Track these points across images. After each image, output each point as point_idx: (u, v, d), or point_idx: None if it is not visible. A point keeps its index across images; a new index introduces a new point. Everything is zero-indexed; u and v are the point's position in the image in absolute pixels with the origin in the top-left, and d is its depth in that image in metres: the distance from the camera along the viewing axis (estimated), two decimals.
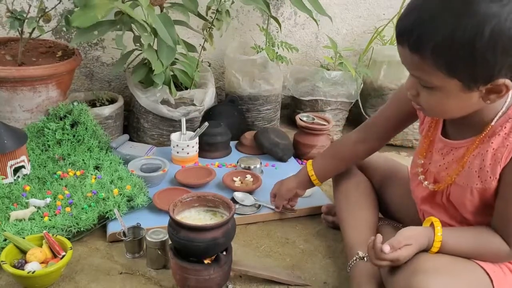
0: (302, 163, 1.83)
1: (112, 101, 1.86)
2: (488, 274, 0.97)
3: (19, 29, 1.59)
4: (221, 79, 2.23)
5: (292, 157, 1.85)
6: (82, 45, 1.96)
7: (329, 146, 1.45)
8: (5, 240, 1.21)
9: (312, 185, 1.38)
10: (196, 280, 1.07)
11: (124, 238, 1.26)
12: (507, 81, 0.83)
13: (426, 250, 0.99)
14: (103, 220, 1.37)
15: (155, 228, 1.27)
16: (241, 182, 1.60)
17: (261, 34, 2.13)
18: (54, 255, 1.19)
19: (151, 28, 1.56)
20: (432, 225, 1.00)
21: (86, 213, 1.34)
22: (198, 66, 1.84)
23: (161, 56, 1.62)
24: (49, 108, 1.65)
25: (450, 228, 1.03)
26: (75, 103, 1.68)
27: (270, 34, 2.08)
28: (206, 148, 1.79)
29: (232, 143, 1.90)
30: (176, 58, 1.77)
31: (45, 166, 1.56)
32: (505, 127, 0.93)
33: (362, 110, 2.10)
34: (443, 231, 0.98)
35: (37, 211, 1.35)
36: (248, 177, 1.62)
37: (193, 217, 1.14)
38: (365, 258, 1.13)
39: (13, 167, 1.47)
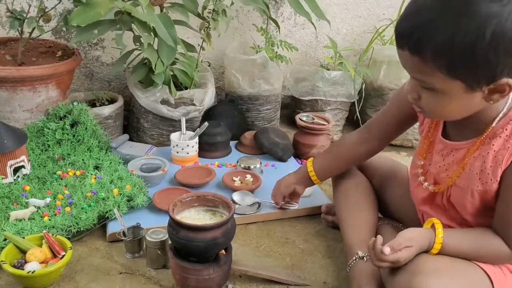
0: (302, 163, 1.83)
1: (112, 101, 1.86)
2: (488, 275, 0.97)
3: (19, 29, 1.59)
4: (221, 79, 2.23)
5: (292, 157, 1.85)
6: (82, 45, 1.96)
7: (330, 146, 1.45)
8: (5, 240, 1.21)
9: (311, 183, 1.38)
10: (196, 279, 1.07)
11: (124, 238, 1.26)
12: (510, 81, 0.82)
13: (426, 251, 0.99)
14: (103, 220, 1.37)
15: (155, 228, 1.27)
16: (241, 182, 1.60)
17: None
18: (54, 255, 1.19)
19: (151, 28, 1.56)
20: (433, 226, 1.00)
21: (86, 213, 1.34)
22: (198, 66, 1.84)
23: (161, 56, 1.62)
24: (49, 108, 1.65)
25: (451, 229, 1.03)
26: (75, 103, 1.68)
27: (269, 34, 2.08)
28: (206, 148, 1.79)
29: (232, 143, 1.90)
30: (176, 58, 1.77)
31: (45, 166, 1.56)
32: (506, 129, 0.93)
33: (357, 111, 2.09)
34: (444, 232, 0.98)
35: (37, 211, 1.35)
36: (248, 177, 1.62)
37: (193, 217, 1.14)
38: (364, 258, 1.13)
39: (13, 167, 1.47)
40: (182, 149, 1.71)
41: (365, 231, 1.23)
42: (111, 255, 1.29)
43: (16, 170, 1.48)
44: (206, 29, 1.80)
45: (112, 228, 1.34)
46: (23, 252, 1.18)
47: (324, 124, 1.86)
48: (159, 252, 1.22)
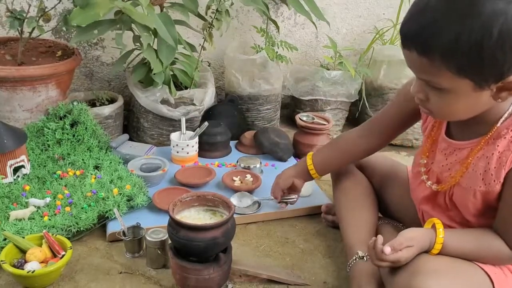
0: None
1: (112, 100, 1.86)
2: (489, 275, 0.97)
3: (19, 28, 1.59)
4: (221, 78, 2.23)
5: (292, 157, 1.85)
6: (82, 45, 1.96)
7: (331, 140, 1.44)
8: (4, 239, 1.21)
9: (310, 177, 1.37)
10: (196, 279, 1.07)
11: (123, 237, 1.26)
12: None
13: (427, 251, 0.99)
14: (102, 220, 1.37)
15: (154, 227, 1.27)
16: (241, 182, 1.60)
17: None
18: (54, 255, 1.19)
19: (151, 28, 1.56)
20: (433, 226, 1.00)
21: (86, 212, 1.34)
22: (198, 66, 1.84)
23: (161, 56, 1.62)
24: (49, 108, 1.65)
25: (451, 230, 1.02)
26: (75, 103, 1.68)
27: (269, 34, 2.08)
28: (206, 147, 1.79)
29: (232, 143, 1.90)
30: (176, 58, 1.77)
31: (44, 166, 1.56)
32: (511, 130, 0.92)
33: (366, 108, 2.10)
34: (445, 232, 0.98)
35: (37, 210, 1.35)
36: (248, 176, 1.62)
37: (193, 216, 1.14)
38: (364, 258, 1.13)
39: (13, 167, 1.47)
40: (182, 149, 1.71)
41: (365, 231, 1.22)
42: (111, 255, 1.29)
43: (16, 170, 1.48)
44: (208, 29, 1.80)
45: (112, 227, 1.34)
46: (23, 251, 1.18)
47: (324, 124, 1.86)
48: (159, 252, 1.22)
